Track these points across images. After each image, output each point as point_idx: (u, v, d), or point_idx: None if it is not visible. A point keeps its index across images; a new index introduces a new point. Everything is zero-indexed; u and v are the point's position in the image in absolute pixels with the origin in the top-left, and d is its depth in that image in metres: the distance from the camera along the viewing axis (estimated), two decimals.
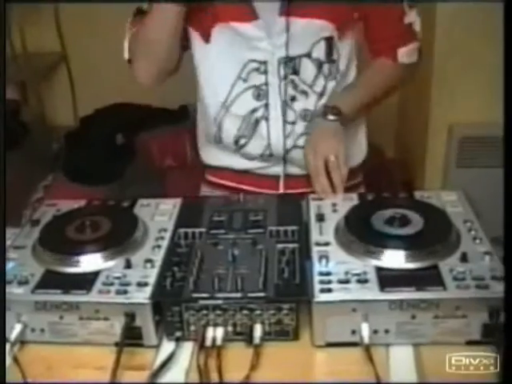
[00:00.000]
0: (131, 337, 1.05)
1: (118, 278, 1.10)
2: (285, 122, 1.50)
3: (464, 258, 1.09)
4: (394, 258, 1.09)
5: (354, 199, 1.33)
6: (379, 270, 1.08)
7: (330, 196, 1.35)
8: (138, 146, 2.96)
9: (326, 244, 1.17)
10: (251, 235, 1.22)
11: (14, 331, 1.07)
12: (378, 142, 3.12)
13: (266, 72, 1.46)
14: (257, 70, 1.46)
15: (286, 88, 1.47)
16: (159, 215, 1.32)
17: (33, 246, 1.21)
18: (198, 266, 1.13)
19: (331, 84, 1.49)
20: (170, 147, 2.93)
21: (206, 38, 1.47)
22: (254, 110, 1.50)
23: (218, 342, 1.04)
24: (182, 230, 1.24)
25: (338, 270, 1.08)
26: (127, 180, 2.82)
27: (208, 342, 1.04)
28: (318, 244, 1.17)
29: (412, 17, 1.47)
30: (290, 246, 1.18)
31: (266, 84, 1.47)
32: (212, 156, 1.65)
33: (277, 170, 1.57)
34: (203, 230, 1.24)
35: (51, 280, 1.11)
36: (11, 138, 3.00)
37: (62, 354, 1.08)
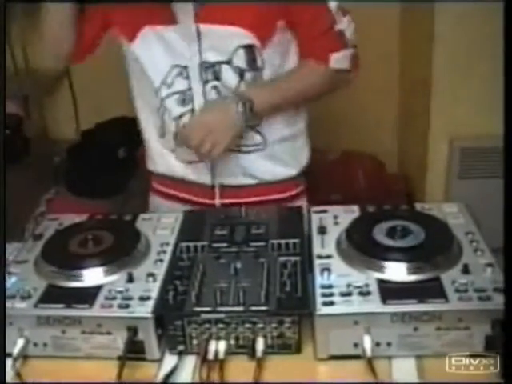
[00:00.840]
0: (134, 351, 1.05)
1: (120, 292, 1.10)
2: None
3: (466, 270, 1.09)
4: (396, 271, 1.09)
5: (355, 211, 1.33)
6: (381, 282, 1.08)
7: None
8: (139, 159, 2.96)
9: (328, 257, 1.17)
10: (253, 248, 1.22)
11: (17, 346, 1.07)
12: (379, 154, 3.14)
13: (188, 77, 1.46)
14: (180, 74, 1.46)
15: (209, 93, 1.46)
16: (161, 229, 1.32)
17: (35, 261, 1.22)
18: (200, 280, 1.13)
19: None
20: None
21: (132, 38, 1.47)
22: (180, 116, 1.50)
23: (221, 355, 1.04)
24: (183, 244, 1.25)
25: (339, 282, 1.09)
26: (129, 193, 2.83)
27: (210, 356, 1.04)
28: (319, 257, 1.17)
29: (344, 24, 1.45)
30: (292, 258, 1.18)
31: (190, 89, 1.47)
32: (155, 163, 1.65)
33: (211, 179, 1.56)
34: (205, 243, 1.25)
35: (54, 294, 1.12)
36: (13, 153, 3.01)
37: (64, 368, 1.08)
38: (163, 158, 1.61)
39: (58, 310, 1.08)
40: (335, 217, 1.31)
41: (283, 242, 1.22)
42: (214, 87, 1.46)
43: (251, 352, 1.05)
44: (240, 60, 1.43)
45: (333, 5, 1.43)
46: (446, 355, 1.03)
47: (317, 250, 1.20)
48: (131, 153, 2.97)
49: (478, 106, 2.54)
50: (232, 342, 1.07)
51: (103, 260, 1.18)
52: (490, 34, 2.37)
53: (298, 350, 1.07)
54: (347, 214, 1.31)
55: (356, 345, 1.04)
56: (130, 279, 1.13)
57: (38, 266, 1.20)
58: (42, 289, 1.13)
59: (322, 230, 1.26)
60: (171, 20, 1.42)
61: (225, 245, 1.24)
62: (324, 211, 1.34)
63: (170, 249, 1.24)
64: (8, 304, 1.08)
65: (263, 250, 1.22)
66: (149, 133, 1.61)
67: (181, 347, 1.08)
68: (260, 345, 1.05)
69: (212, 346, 1.06)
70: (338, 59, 1.47)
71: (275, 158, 1.55)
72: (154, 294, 1.09)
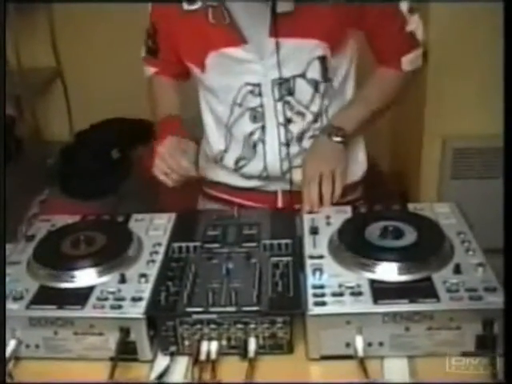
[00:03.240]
0: (126, 352, 1.05)
1: (112, 292, 1.10)
2: (281, 143, 1.49)
3: (457, 270, 1.09)
4: (388, 271, 1.10)
5: (347, 212, 1.33)
6: (373, 282, 1.08)
7: (315, 208, 1.36)
8: (133, 160, 2.97)
9: (320, 257, 1.17)
10: (245, 249, 1.22)
11: (9, 347, 1.07)
12: (372, 154, 3.14)
13: (260, 94, 1.45)
14: (251, 92, 1.46)
15: (282, 110, 1.46)
16: (153, 230, 1.32)
17: (27, 262, 1.21)
18: (193, 281, 1.13)
19: (326, 102, 1.48)
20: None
21: (202, 67, 1.48)
22: (251, 133, 1.50)
23: (213, 355, 1.04)
24: (176, 245, 1.25)
25: (331, 282, 1.09)
26: (122, 194, 2.82)
27: (202, 356, 1.04)
28: (311, 257, 1.17)
29: (413, 24, 1.45)
30: (284, 259, 1.18)
31: (262, 106, 1.47)
32: (212, 172, 1.65)
33: (275, 187, 1.57)
34: (197, 244, 1.25)
35: (46, 295, 1.11)
36: (6, 154, 3.00)
37: (56, 369, 1.08)
38: (221, 171, 1.62)
39: (50, 311, 1.07)
40: (327, 217, 1.31)
41: (275, 242, 1.23)
42: (287, 102, 1.46)
43: (243, 352, 1.05)
44: (315, 72, 1.43)
45: (403, 6, 1.43)
46: (438, 355, 1.04)
47: (309, 250, 1.20)
48: (125, 154, 2.97)
49: (471, 106, 2.54)
50: (224, 342, 1.07)
51: (95, 261, 1.18)
52: (483, 36, 2.38)
53: (289, 350, 1.07)
54: (339, 215, 1.31)
55: (348, 345, 1.04)
56: (123, 280, 1.13)
57: (30, 267, 1.20)
58: (34, 290, 1.13)
59: (314, 231, 1.26)
60: (239, 41, 1.41)
61: (217, 245, 1.24)
62: (316, 212, 1.34)
63: (162, 249, 1.24)
64: None
65: (255, 250, 1.22)
66: (216, 148, 1.59)
67: (173, 348, 1.08)
68: (252, 345, 1.05)
69: (204, 346, 1.06)
70: (411, 60, 1.48)
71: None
72: (146, 294, 1.09)
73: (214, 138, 1.58)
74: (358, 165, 1.64)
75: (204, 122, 1.61)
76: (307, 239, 1.24)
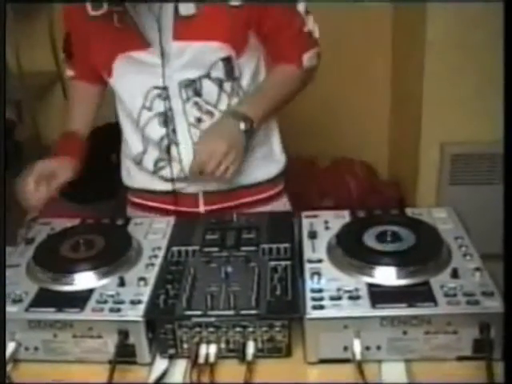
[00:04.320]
0: (124, 354, 1.06)
1: (111, 296, 1.11)
2: (194, 144, 1.48)
3: (455, 274, 1.10)
4: (386, 275, 1.10)
5: (346, 216, 1.34)
6: (371, 286, 1.08)
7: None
8: None
9: (319, 261, 1.17)
10: (244, 253, 1.23)
11: (8, 350, 1.08)
12: (370, 160, 3.15)
13: (168, 97, 1.46)
14: (159, 96, 1.46)
15: (191, 111, 1.47)
16: (153, 233, 1.33)
17: (27, 265, 1.22)
18: (191, 284, 1.14)
19: (234, 101, 1.49)
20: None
21: (108, 72, 1.49)
22: (163, 137, 1.50)
23: (211, 359, 1.05)
24: (175, 248, 1.25)
25: (330, 286, 1.09)
26: (122, 198, 2.82)
27: (201, 359, 1.05)
28: (310, 261, 1.18)
29: (310, 24, 1.48)
30: (283, 263, 1.19)
31: (171, 109, 1.47)
32: (132, 178, 1.66)
33: (194, 188, 1.57)
34: (196, 247, 1.25)
35: (45, 298, 1.12)
36: (5, 157, 3.01)
37: (55, 372, 1.09)
38: (142, 176, 1.62)
39: (49, 314, 1.08)
40: (326, 222, 1.32)
41: (274, 246, 1.23)
42: (195, 103, 1.46)
43: (242, 356, 1.06)
44: (219, 72, 1.45)
45: (301, 7, 1.47)
46: (435, 359, 1.04)
47: (307, 254, 1.20)
48: None
49: (469, 112, 2.56)
50: (222, 345, 1.07)
51: (95, 264, 1.18)
52: (481, 41, 2.39)
53: (288, 353, 1.08)
54: (338, 219, 1.32)
55: (346, 348, 1.04)
56: (122, 283, 1.14)
57: (29, 269, 1.20)
58: (34, 293, 1.13)
59: (313, 235, 1.27)
60: (142, 44, 1.42)
61: (216, 249, 1.25)
62: (315, 216, 1.35)
63: (161, 253, 1.25)
64: None
65: (254, 254, 1.22)
66: (134, 150, 1.60)
67: (171, 351, 1.09)
68: (250, 348, 1.06)
69: (202, 349, 1.06)
70: (310, 58, 1.51)
71: (254, 162, 1.56)
72: (145, 297, 1.10)
73: (132, 140, 1.58)
74: (274, 161, 1.63)
75: (121, 125, 1.62)
76: (306, 243, 1.24)
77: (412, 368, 1.04)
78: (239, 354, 1.07)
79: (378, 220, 1.28)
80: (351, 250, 1.16)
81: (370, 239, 1.20)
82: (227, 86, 1.47)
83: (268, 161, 1.61)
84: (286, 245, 1.24)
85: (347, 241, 1.20)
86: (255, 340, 1.06)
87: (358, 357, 1.02)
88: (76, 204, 2.76)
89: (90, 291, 1.13)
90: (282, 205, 1.64)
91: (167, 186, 1.58)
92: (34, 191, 1.44)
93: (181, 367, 1.08)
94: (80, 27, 1.50)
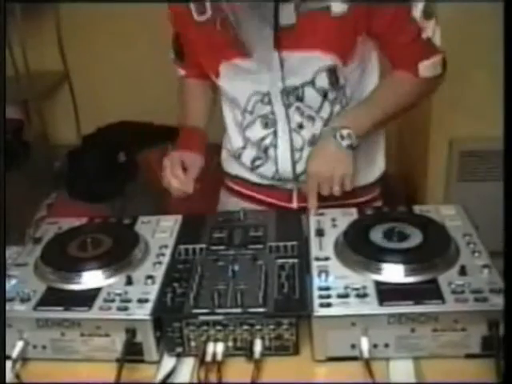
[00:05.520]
0: (132, 353, 1.06)
1: (119, 294, 1.11)
2: (293, 148, 1.51)
3: (463, 272, 1.09)
4: (393, 272, 1.10)
5: (353, 214, 1.34)
6: (378, 284, 1.08)
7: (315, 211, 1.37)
8: (139, 163, 2.98)
9: (326, 259, 1.17)
10: (251, 251, 1.23)
11: (16, 348, 1.08)
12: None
13: (270, 102, 1.47)
14: (261, 100, 1.47)
15: (292, 116, 1.47)
16: (160, 232, 1.33)
17: (35, 264, 1.22)
18: (199, 282, 1.13)
19: (337, 108, 1.47)
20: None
21: (216, 74, 1.51)
22: (263, 138, 1.52)
23: (219, 357, 1.05)
24: (182, 247, 1.25)
25: (337, 284, 1.09)
26: (129, 197, 2.83)
27: (208, 358, 1.05)
28: (317, 259, 1.17)
29: (430, 30, 1.40)
30: (290, 261, 1.18)
31: (273, 113, 1.48)
32: (232, 166, 1.69)
33: (290, 186, 1.59)
34: (203, 246, 1.25)
35: (53, 297, 1.12)
36: (14, 157, 3.02)
37: (63, 370, 1.09)
38: (241, 166, 1.65)
39: (57, 313, 1.08)
40: (333, 219, 1.32)
41: (281, 244, 1.23)
42: (297, 108, 1.47)
43: (249, 354, 1.06)
44: (323, 81, 1.43)
45: (417, 13, 1.37)
46: (443, 356, 1.04)
47: (315, 252, 1.20)
48: (131, 157, 2.98)
49: (477, 109, 2.54)
50: (230, 343, 1.07)
51: (102, 263, 1.18)
52: (490, 36, 2.38)
53: (295, 351, 1.08)
54: (345, 217, 1.32)
55: (353, 346, 1.04)
56: (129, 282, 1.14)
57: (37, 268, 1.20)
58: (42, 291, 1.14)
59: (320, 233, 1.26)
60: (244, 52, 1.42)
61: (223, 247, 1.25)
62: (322, 214, 1.35)
63: (168, 251, 1.25)
64: (7, 307, 1.09)
65: (261, 252, 1.22)
66: (235, 145, 1.62)
67: (179, 349, 1.09)
68: (258, 346, 1.06)
69: (210, 347, 1.06)
70: (428, 67, 1.43)
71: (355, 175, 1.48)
72: (153, 296, 1.10)
73: (233, 136, 1.61)
74: (375, 167, 1.64)
75: (224, 120, 1.64)
76: (313, 241, 1.24)
77: (420, 366, 1.04)
78: (247, 352, 1.06)
79: (385, 217, 1.27)
80: (358, 248, 1.16)
81: (377, 237, 1.19)
82: (331, 94, 1.45)
83: (369, 165, 1.60)
84: (294, 243, 1.24)
85: (355, 238, 1.20)
86: (263, 338, 1.06)
87: (366, 355, 1.02)
88: (84, 203, 2.77)
89: (98, 290, 1.13)
90: None
91: (263, 180, 1.61)
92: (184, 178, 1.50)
93: (188, 365, 1.08)
94: (187, 30, 1.51)
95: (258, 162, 1.58)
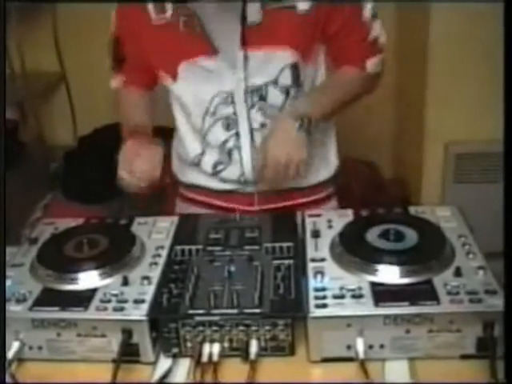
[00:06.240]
0: (128, 353, 1.06)
1: (115, 295, 1.11)
2: (257, 150, 1.48)
3: (458, 273, 1.10)
4: (389, 274, 1.10)
5: (349, 215, 1.34)
6: (374, 285, 1.08)
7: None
8: None
9: (322, 260, 1.18)
10: (247, 252, 1.23)
11: (12, 349, 1.08)
12: (375, 159, 3.15)
13: (233, 102, 1.46)
14: (224, 101, 1.47)
15: (255, 116, 1.47)
16: (156, 233, 1.33)
17: (31, 264, 1.22)
18: (195, 283, 1.14)
19: None
20: (168, 165, 2.94)
21: (173, 77, 1.49)
22: (225, 141, 1.51)
23: (215, 357, 1.05)
24: (178, 248, 1.26)
25: (333, 285, 1.09)
26: (126, 198, 2.83)
27: (204, 358, 1.05)
28: (313, 260, 1.18)
29: (376, 31, 1.47)
30: (286, 262, 1.19)
31: (235, 114, 1.48)
32: (187, 175, 1.66)
33: (251, 188, 1.58)
34: (200, 247, 1.26)
35: (49, 297, 1.12)
36: (9, 158, 3.01)
37: (59, 371, 1.09)
38: (198, 174, 1.62)
39: (53, 313, 1.08)
40: (329, 221, 1.32)
41: (277, 245, 1.23)
42: (260, 109, 1.47)
43: (245, 354, 1.06)
44: (286, 79, 1.45)
45: (367, 14, 1.45)
46: (438, 357, 1.04)
47: (310, 253, 1.20)
48: None
49: (473, 111, 2.55)
50: (226, 344, 1.07)
51: (98, 263, 1.18)
52: (484, 40, 2.39)
53: (291, 352, 1.08)
54: (341, 218, 1.32)
55: (349, 347, 1.05)
56: (125, 282, 1.14)
57: (33, 269, 1.20)
58: (38, 292, 1.14)
59: (316, 234, 1.27)
60: (209, 51, 1.42)
61: (219, 248, 1.25)
62: (318, 215, 1.35)
63: (164, 252, 1.25)
64: None
65: (257, 253, 1.22)
66: (192, 152, 1.60)
67: (175, 350, 1.09)
68: (253, 347, 1.06)
69: (206, 348, 1.06)
70: (375, 64, 1.50)
71: (309, 164, 1.51)
72: (149, 296, 1.10)
73: (190, 143, 1.58)
74: (328, 163, 1.65)
75: (177, 127, 1.62)
76: (309, 242, 1.24)
77: (415, 366, 1.05)
78: (242, 352, 1.07)
79: (381, 219, 1.28)
80: (354, 249, 1.16)
81: (373, 238, 1.20)
82: (292, 92, 1.47)
83: (322, 163, 1.61)
84: (289, 244, 1.24)
85: (350, 239, 1.20)
86: (258, 339, 1.07)
87: (361, 355, 1.02)
88: (80, 204, 2.77)
89: (94, 290, 1.13)
90: (332, 207, 1.64)
91: (224, 186, 1.59)
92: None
93: (184, 366, 1.08)
94: (139, 32, 1.48)
95: (220, 167, 1.56)
